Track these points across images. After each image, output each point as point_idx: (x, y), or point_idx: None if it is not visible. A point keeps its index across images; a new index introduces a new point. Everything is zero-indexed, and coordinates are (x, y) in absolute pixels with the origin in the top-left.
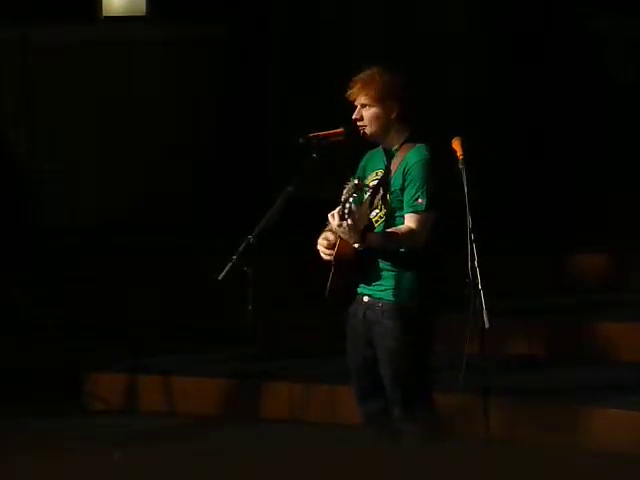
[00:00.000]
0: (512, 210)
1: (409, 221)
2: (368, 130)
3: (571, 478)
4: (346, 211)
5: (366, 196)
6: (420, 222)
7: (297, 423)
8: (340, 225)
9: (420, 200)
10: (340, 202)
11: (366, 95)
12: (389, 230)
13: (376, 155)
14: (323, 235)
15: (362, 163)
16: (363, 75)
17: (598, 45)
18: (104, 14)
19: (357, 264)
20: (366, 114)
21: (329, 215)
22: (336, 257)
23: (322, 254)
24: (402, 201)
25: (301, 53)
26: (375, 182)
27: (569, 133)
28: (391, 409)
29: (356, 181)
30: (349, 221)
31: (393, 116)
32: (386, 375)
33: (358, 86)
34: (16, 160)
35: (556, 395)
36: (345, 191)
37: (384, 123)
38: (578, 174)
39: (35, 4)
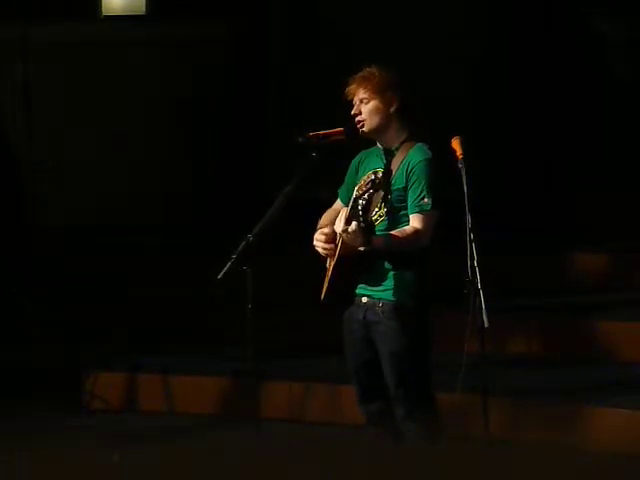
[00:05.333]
0: (512, 210)
1: (414, 221)
2: (367, 124)
3: (571, 478)
4: (359, 207)
5: (365, 196)
6: (425, 222)
7: (297, 423)
8: (345, 230)
9: (426, 199)
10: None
11: (365, 89)
12: (394, 232)
13: (372, 154)
14: (320, 230)
15: (355, 162)
16: (361, 73)
17: (598, 45)
18: (104, 13)
19: (359, 265)
20: (365, 108)
21: (336, 220)
22: (338, 257)
23: (320, 249)
24: (403, 200)
25: (301, 52)
26: (371, 181)
27: (568, 133)
28: (394, 408)
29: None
30: (353, 225)
31: (392, 109)
32: (389, 374)
33: (356, 82)
34: (16, 160)
35: (556, 395)
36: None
37: (384, 116)
38: (578, 174)
39: (35, 4)
